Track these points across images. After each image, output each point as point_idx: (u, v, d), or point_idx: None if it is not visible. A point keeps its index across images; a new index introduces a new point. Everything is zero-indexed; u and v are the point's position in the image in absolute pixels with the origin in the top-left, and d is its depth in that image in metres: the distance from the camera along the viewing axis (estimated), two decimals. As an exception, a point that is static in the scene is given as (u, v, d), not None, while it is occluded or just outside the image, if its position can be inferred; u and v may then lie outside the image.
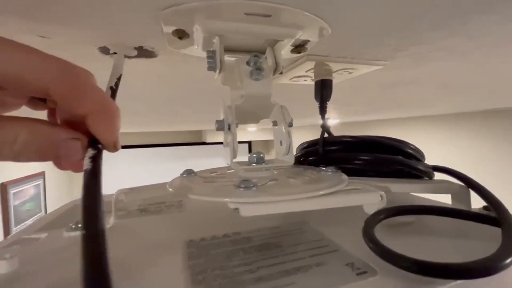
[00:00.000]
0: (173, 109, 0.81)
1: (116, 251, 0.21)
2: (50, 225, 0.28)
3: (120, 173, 2.95)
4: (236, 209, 0.19)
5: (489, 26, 0.28)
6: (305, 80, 0.51)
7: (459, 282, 0.15)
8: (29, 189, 2.25)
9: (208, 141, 2.92)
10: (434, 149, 1.59)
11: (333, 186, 0.22)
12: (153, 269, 0.18)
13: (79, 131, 0.15)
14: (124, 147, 3.10)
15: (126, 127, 1.75)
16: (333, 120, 1.69)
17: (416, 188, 0.25)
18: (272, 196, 0.19)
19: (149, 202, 0.32)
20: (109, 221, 0.25)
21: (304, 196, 0.20)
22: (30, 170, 2.22)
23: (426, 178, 0.27)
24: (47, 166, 2.43)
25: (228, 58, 0.30)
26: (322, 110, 0.49)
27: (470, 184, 0.23)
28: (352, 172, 0.30)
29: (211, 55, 0.28)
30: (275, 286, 0.15)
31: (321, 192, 0.21)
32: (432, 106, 1.11)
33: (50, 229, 0.26)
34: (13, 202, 2.01)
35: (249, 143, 3.40)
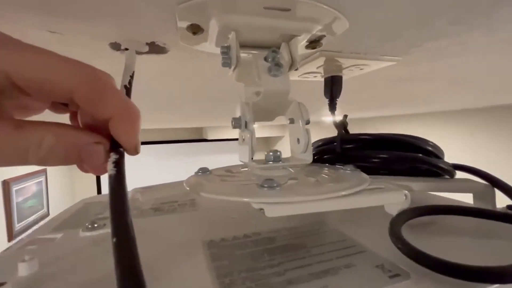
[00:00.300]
0: (177, 106, 0.81)
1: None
2: (64, 225, 0.27)
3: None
4: (261, 209, 0.18)
5: (507, 21, 0.27)
6: (315, 76, 0.50)
7: (495, 286, 0.15)
8: (31, 186, 2.25)
9: (209, 138, 2.91)
10: (444, 146, 1.58)
11: (357, 186, 0.21)
12: (178, 272, 0.18)
13: (101, 135, 0.15)
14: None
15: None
16: (340, 117, 1.68)
17: (438, 187, 0.24)
18: (297, 196, 0.19)
19: (161, 201, 0.32)
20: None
21: (330, 196, 0.20)
22: (32, 167, 2.22)
23: (447, 177, 0.27)
24: (48, 163, 2.42)
25: (243, 54, 0.29)
26: (332, 107, 0.49)
27: (496, 183, 0.22)
28: (371, 171, 0.30)
29: (225, 51, 0.27)
30: (307, 290, 0.15)
31: (346, 192, 0.20)
32: (444, 102, 1.10)
33: (65, 229, 0.25)
34: (15, 199, 2.01)
35: (251, 139, 3.38)
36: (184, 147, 3.21)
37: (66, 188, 2.82)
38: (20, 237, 0.24)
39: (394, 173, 0.30)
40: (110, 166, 0.14)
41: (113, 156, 0.15)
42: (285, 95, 0.27)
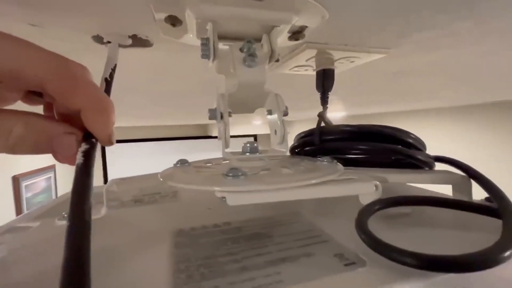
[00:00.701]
0: (174, 101, 0.81)
1: (104, 241, 0.20)
2: (44, 214, 0.28)
3: (125, 166, 3.01)
4: (223, 198, 0.18)
5: (499, 9, 0.26)
6: (306, 70, 0.49)
7: (452, 275, 0.14)
8: (40, 181, 2.31)
9: (213, 135, 2.93)
10: (444, 143, 1.55)
11: (326, 176, 0.21)
12: (138, 258, 0.18)
13: (76, 126, 0.15)
14: (128, 141, 3.16)
15: (129, 121, 1.77)
16: (339, 113, 1.67)
17: (414, 178, 0.24)
18: (260, 185, 0.19)
19: (144, 193, 0.32)
20: (101, 211, 0.25)
21: (294, 185, 0.19)
22: (41, 163, 2.28)
23: (427, 169, 0.26)
24: (57, 160, 2.48)
25: (223, 46, 0.29)
26: (324, 101, 0.48)
27: (472, 174, 0.22)
28: (353, 163, 0.29)
29: (205, 43, 0.27)
30: (256, 276, 0.15)
31: (312, 182, 0.20)
32: (442, 97, 1.07)
33: (44, 218, 0.26)
34: (25, 194, 2.07)
35: (255, 136, 3.39)
36: (189, 144, 3.23)
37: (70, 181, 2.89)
38: None
39: (376, 165, 0.29)
40: (79, 155, 0.15)
41: (84, 146, 0.15)
42: (261, 86, 0.27)
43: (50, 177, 2.47)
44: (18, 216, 0.28)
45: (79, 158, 0.14)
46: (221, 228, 0.22)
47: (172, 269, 0.16)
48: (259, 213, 0.25)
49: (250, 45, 0.26)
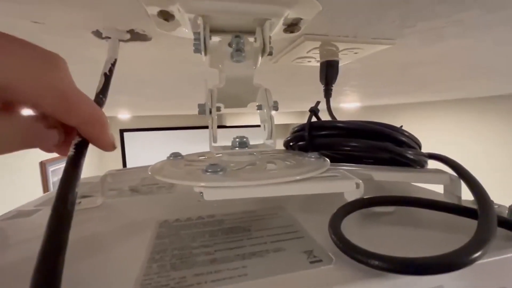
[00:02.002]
0: (183, 93, 0.82)
1: (94, 228, 0.22)
2: (51, 200, 0.30)
3: (143, 154, 3.11)
4: (201, 193, 0.19)
5: None
6: (309, 61, 0.48)
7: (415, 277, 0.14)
8: (65, 167, 2.44)
9: (228, 124, 2.95)
10: (462, 135, 1.47)
11: (307, 173, 0.21)
12: (120, 246, 0.19)
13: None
14: (144, 129, 3.25)
15: (143, 111, 1.82)
16: (353, 104, 1.62)
17: (401, 176, 0.23)
18: (237, 181, 0.19)
19: (142, 184, 0.34)
20: (97, 201, 0.27)
21: (272, 181, 0.20)
22: (65, 150, 2.40)
23: (418, 167, 0.25)
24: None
25: (215, 40, 0.29)
26: (327, 93, 0.47)
27: (460, 173, 0.21)
28: (347, 160, 0.29)
29: (197, 37, 0.28)
30: (223, 269, 0.16)
31: (294, 178, 0.20)
32: (457, 88, 1.02)
33: (49, 204, 0.28)
34: (51, 178, 2.21)
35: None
36: (203, 133, 3.28)
37: (95, 168, 3.04)
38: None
39: (379, 163, 0.29)
40: (71, 147, 0.16)
41: (77, 139, 0.16)
42: (249, 81, 0.27)
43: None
44: (28, 202, 0.30)
45: (71, 150, 0.15)
46: (204, 221, 0.23)
47: (147, 257, 0.17)
48: (245, 207, 0.26)
49: (239, 39, 0.26)
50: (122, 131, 3.22)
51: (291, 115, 3.13)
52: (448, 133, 1.47)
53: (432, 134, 1.64)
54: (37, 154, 2.04)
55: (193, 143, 3.24)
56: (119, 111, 1.82)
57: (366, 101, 1.56)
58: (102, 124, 0.16)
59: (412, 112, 1.83)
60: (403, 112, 1.89)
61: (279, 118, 3.01)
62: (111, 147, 0.17)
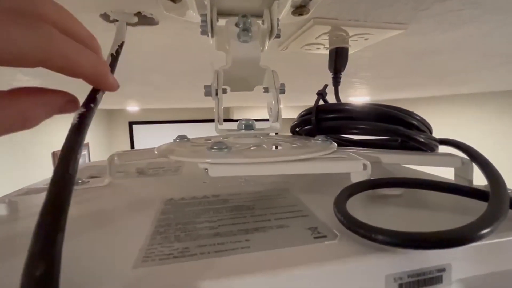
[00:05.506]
0: (191, 81, 0.82)
1: (101, 205, 0.22)
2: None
3: (148, 146, 3.15)
4: (206, 169, 0.19)
5: None
6: (318, 48, 0.48)
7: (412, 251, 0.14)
8: (76, 158, 2.50)
9: (235, 118, 2.95)
10: (482, 129, 1.43)
11: (313, 153, 0.21)
12: (126, 220, 0.19)
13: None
14: (153, 122, 3.28)
15: (151, 102, 1.83)
16: (363, 98, 1.59)
17: (411, 159, 0.23)
18: (241, 158, 0.19)
19: (149, 166, 0.34)
20: (105, 180, 0.27)
21: (278, 159, 0.20)
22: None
23: (428, 151, 0.25)
24: (90, 139, 2.67)
25: (222, 23, 0.29)
26: (336, 81, 0.46)
27: (473, 156, 0.20)
28: (356, 144, 0.28)
29: (204, 19, 0.27)
30: (226, 242, 0.16)
31: (299, 157, 0.20)
32: (476, 81, 0.98)
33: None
34: (63, 168, 2.26)
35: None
36: (210, 127, 3.30)
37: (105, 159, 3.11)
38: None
39: (379, 147, 0.28)
40: (74, 116, 0.16)
41: (81, 109, 0.16)
42: (256, 62, 0.26)
43: (84, 154, 2.68)
44: (39, 180, 0.31)
45: (74, 119, 0.15)
46: (209, 199, 0.23)
47: (152, 230, 0.17)
48: (252, 188, 0.26)
49: (245, 19, 0.26)
50: (130, 124, 3.27)
51: (300, 110, 3.10)
52: (467, 130, 1.42)
53: (447, 132, 1.59)
54: (50, 145, 2.09)
55: (198, 135, 3.26)
56: (128, 103, 1.84)
57: (375, 95, 1.53)
58: (104, 73, 0.17)
59: (426, 108, 1.78)
60: (415, 107, 1.85)
61: (288, 112, 2.98)
62: (115, 87, 0.18)
